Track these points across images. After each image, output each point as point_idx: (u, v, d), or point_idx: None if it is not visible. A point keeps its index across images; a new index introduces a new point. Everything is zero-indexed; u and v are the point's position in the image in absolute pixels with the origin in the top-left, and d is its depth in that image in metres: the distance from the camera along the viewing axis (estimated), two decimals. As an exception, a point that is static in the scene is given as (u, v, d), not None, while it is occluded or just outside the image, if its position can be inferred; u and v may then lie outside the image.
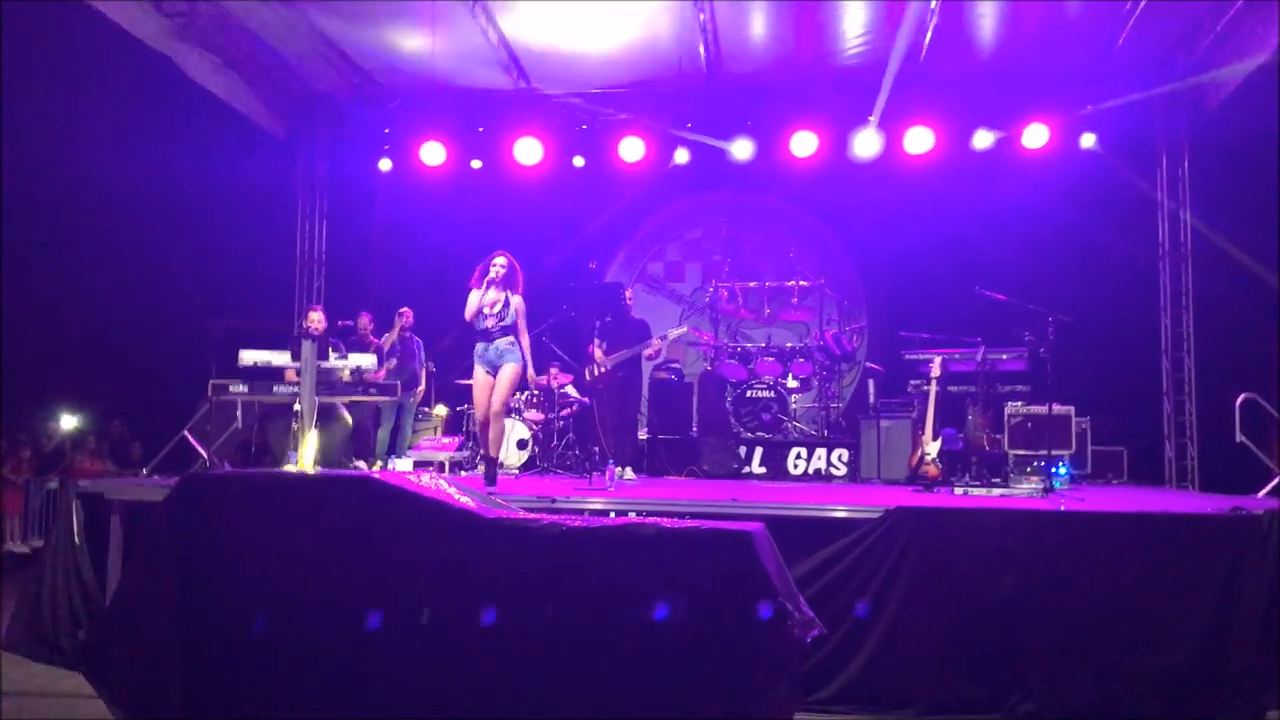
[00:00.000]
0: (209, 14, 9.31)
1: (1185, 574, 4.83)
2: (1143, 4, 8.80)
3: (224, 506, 4.24)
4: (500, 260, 7.33)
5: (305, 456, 6.68)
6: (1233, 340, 10.14)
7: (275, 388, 7.47)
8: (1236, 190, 9.92)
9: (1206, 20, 9.09)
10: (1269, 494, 6.79)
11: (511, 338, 7.29)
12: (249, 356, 7.36)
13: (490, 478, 7.28)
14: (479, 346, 7.34)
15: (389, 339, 9.74)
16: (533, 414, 10.11)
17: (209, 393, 7.58)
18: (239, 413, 8.73)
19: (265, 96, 10.82)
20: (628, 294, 9.47)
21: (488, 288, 7.23)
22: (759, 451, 9.26)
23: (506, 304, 7.30)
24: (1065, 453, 8.31)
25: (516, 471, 9.63)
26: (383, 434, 9.58)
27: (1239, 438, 7.27)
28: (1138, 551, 4.95)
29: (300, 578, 4.05)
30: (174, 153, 9.17)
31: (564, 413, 10.16)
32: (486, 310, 7.25)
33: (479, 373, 7.32)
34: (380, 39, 10.01)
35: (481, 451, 7.56)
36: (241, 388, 7.48)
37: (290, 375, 7.44)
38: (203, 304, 9.00)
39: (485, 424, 7.36)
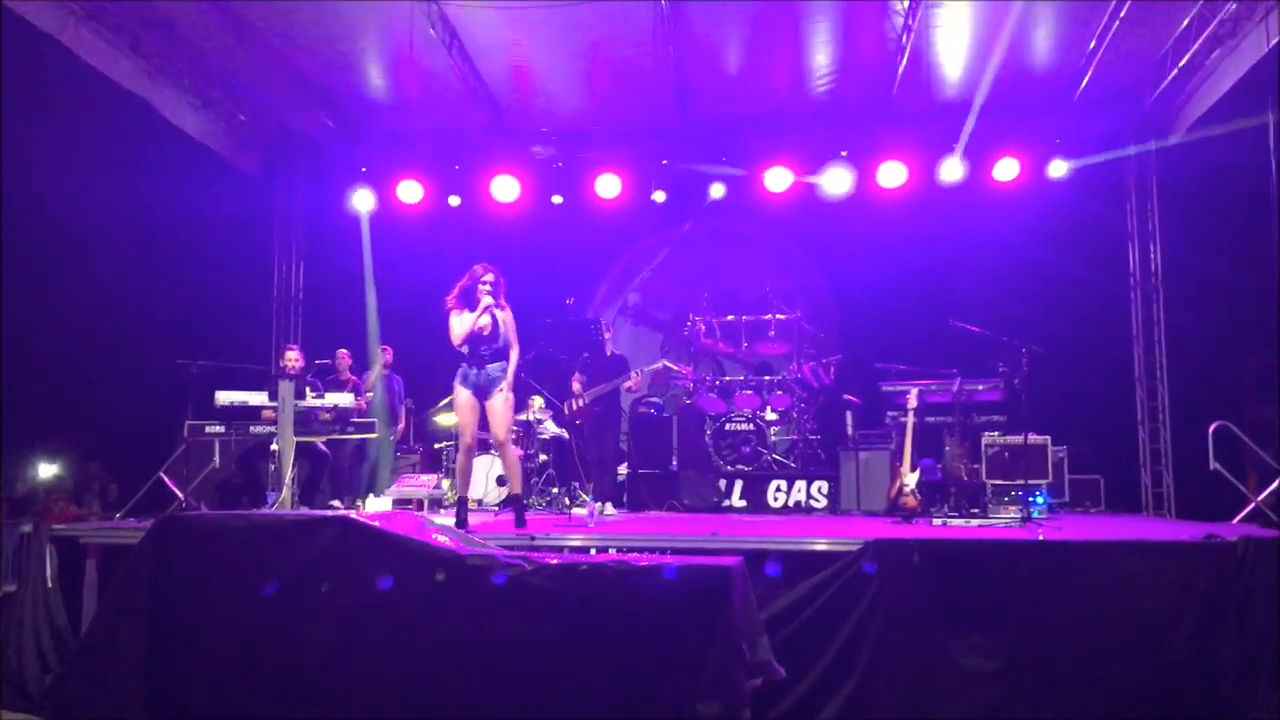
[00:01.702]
0: (184, 56, 9.35)
1: (1163, 600, 4.85)
2: (1108, 39, 8.98)
3: (198, 549, 4.23)
4: (489, 278, 7.01)
5: (284, 496, 6.66)
6: (1205, 368, 10.25)
7: (252, 428, 7.45)
8: (1205, 219, 10.07)
9: (1171, 54, 9.26)
10: (1243, 520, 6.84)
11: (502, 362, 7.01)
12: (225, 397, 7.36)
13: (520, 519, 6.93)
14: (467, 370, 7.00)
15: (371, 376, 9.74)
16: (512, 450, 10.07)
17: (185, 433, 7.55)
18: (216, 453, 8.67)
19: (241, 135, 10.86)
20: (606, 331, 9.50)
21: (482, 312, 6.92)
22: (739, 484, 9.25)
23: (495, 325, 7.00)
24: (1043, 482, 8.35)
25: (496, 508, 9.59)
26: (362, 471, 9.55)
27: (1213, 465, 7.34)
28: (1116, 579, 4.98)
29: (275, 619, 4.02)
30: (149, 194, 9.14)
31: (543, 445, 10.15)
32: (478, 335, 6.95)
33: (463, 394, 7.00)
34: (356, 78, 10.07)
35: (457, 489, 7.19)
36: (218, 428, 7.47)
37: (268, 415, 7.42)
38: (179, 344, 8.93)
39: (470, 449, 7.07)
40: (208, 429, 7.45)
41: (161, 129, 9.53)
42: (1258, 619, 4.77)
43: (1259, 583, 4.85)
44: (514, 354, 7.11)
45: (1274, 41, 8.00)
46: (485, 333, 6.96)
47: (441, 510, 9.26)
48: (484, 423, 7.19)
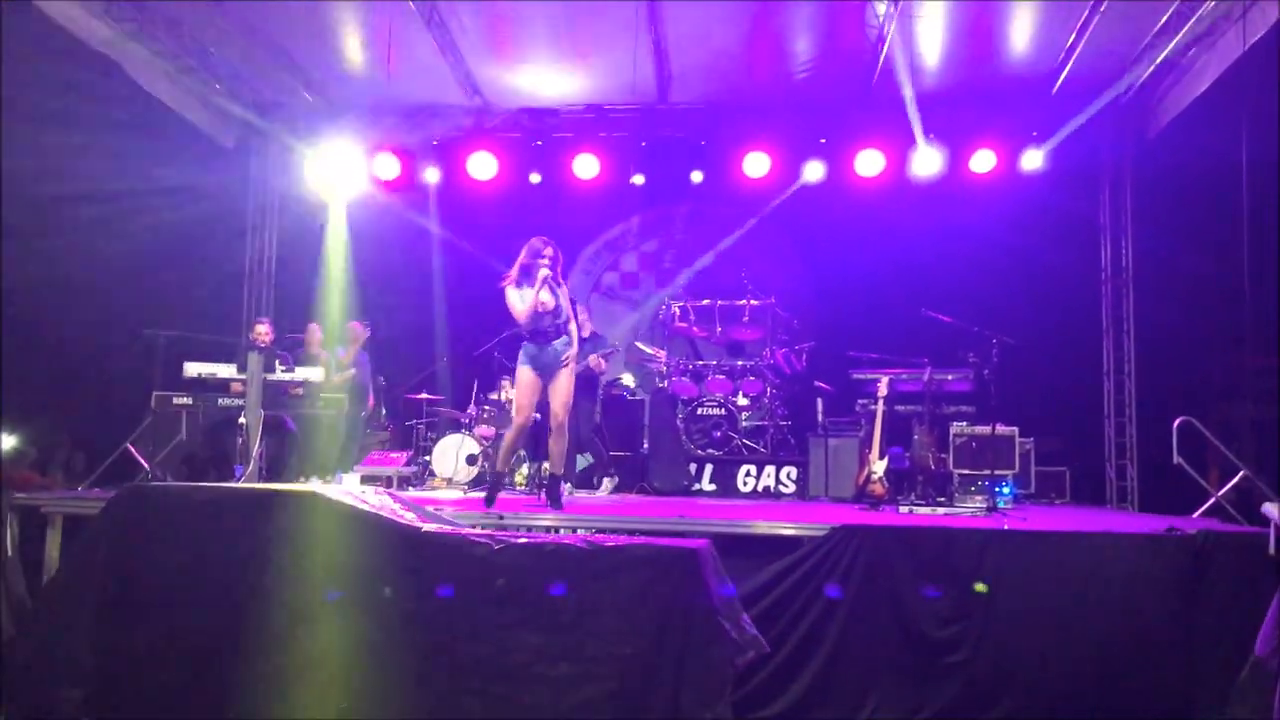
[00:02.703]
0: (158, 22, 9.22)
1: (1122, 590, 4.92)
2: (1088, 33, 9.02)
3: (161, 520, 4.19)
4: (548, 252, 6.77)
5: (251, 470, 6.63)
6: (1173, 364, 10.35)
7: (220, 400, 7.40)
8: (1177, 216, 10.15)
9: (1149, 50, 9.31)
10: (1203, 514, 6.93)
11: (566, 338, 6.82)
12: (194, 369, 7.31)
13: (556, 500, 6.79)
14: (531, 348, 6.78)
15: (350, 352, 9.70)
16: (483, 429, 10.06)
17: (152, 404, 7.49)
18: (184, 425, 8.60)
19: (216, 107, 10.72)
20: (582, 312, 9.47)
21: (542, 286, 6.67)
22: (709, 468, 9.30)
23: (558, 301, 6.79)
24: (1009, 473, 8.43)
25: (466, 487, 9.57)
26: (332, 448, 9.49)
27: (1176, 460, 7.42)
28: (1076, 568, 5.04)
29: (236, 591, 4.00)
30: (119, 160, 9.00)
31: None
32: (541, 311, 6.73)
33: (526, 373, 6.78)
34: (335, 52, 9.96)
35: (490, 467, 7.00)
36: (186, 400, 7.41)
37: (237, 387, 7.37)
38: (148, 313, 8.85)
39: (523, 429, 6.85)
40: (175, 400, 7.40)
41: (134, 94, 9.39)
42: (1214, 610, 4.84)
43: (1216, 575, 4.93)
44: (574, 328, 6.92)
45: (1250, 41, 8.06)
46: (549, 309, 6.75)
47: (411, 488, 9.25)
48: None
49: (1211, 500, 6.95)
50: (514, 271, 6.79)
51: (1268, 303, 9.37)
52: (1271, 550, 4.74)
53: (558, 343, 6.76)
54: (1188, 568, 4.93)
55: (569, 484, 8.51)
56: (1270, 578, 4.41)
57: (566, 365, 6.75)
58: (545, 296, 6.71)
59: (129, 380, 8.58)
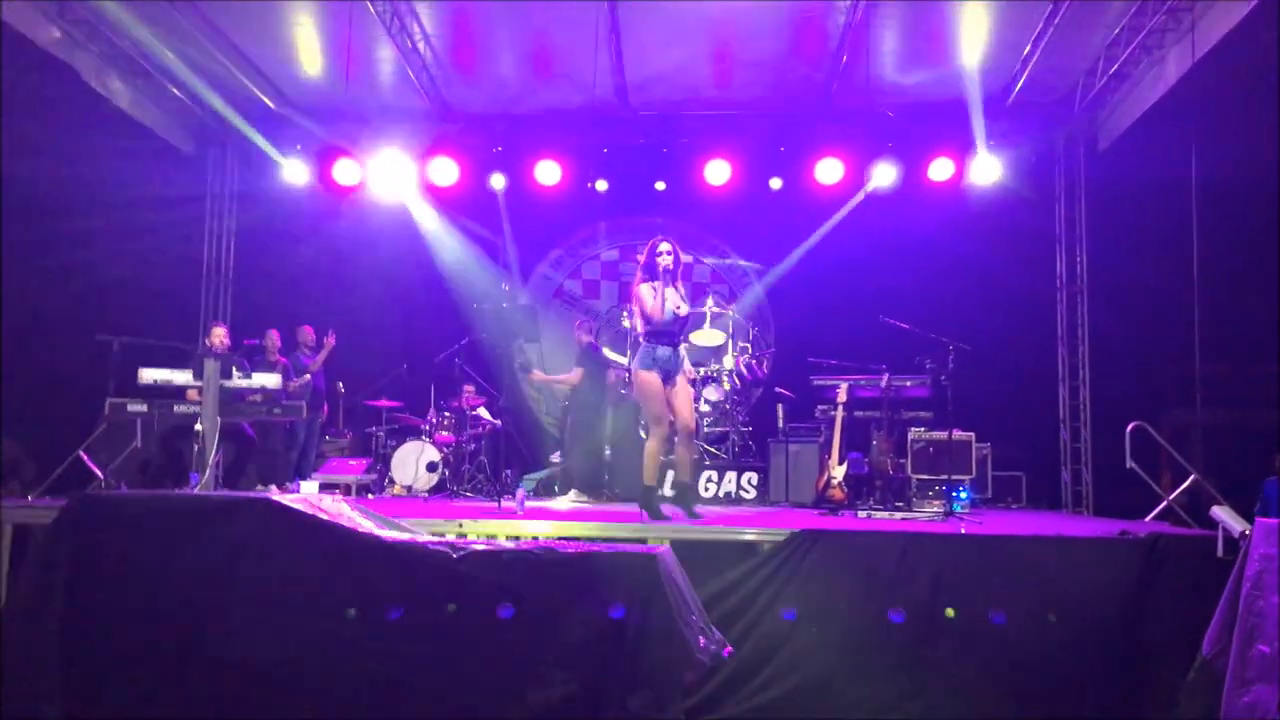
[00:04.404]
0: (111, 25, 9.11)
1: (1074, 592, 4.99)
2: (1042, 46, 9.17)
3: (115, 528, 4.14)
4: (667, 247, 6.45)
5: (207, 478, 6.54)
6: (1126, 370, 10.54)
7: (176, 407, 7.29)
8: (1130, 227, 10.34)
9: (1102, 63, 9.49)
10: (1155, 518, 7.04)
11: (685, 343, 6.63)
12: (149, 375, 7.18)
13: (691, 509, 6.54)
14: (660, 350, 6.42)
15: (318, 361, 9.64)
16: (443, 436, 10.02)
17: (106, 411, 7.37)
18: (139, 432, 8.48)
19: (173, 110, 10.61)
20: (586, 334, 9.61)
21: (668, 282, 6.39)
22: (670, 474, 9.30)
23: (687, 304, 6.56)
24: (966, 477, 8.52)
25: (426, 495, 9.52)
26: (291, 456, 9.42)
27: (1129, 464, 7.54)
28: (1030, 572, 5.11)
29: (192, 599, 3.96)
30: (72, 164, 8.88)
31: (475, 432, 10.11)
32: (677, 312, 6.43)
33: (653, 379, 6.41)
34: (294, 57, 9.90)
35: (647, 477, 6.63)
36: (141, 406, 7.29)
37: (193, 394, 7.27)
38: (103, 319, 8.72)
39: (663, 441, 6.56)
40: (130, 407, 7.27)
41: (88, 98, 9.28)
42: (1164, 612, 4.93)
43: (1166, 577, 5.01)
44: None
45: (1198, 55, 8.24)
46: (680, 313, 6.48)
47: (370, 495, 9.19)
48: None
49: (1163, 504, 7.07)
50: (639, 273, 6.57)
51: (1217, 311, 9.58)
52: (1220, 552, 4.83)
53: (682, 347, 6.56)
54: (1139, 570, 5.02)
55: (527, 489, 8.49)
56: (1218, 579, 4.48)
57: (685, 373, 6.54)
58: (677, 298, 6.47)
59: (82, 386, 8.44)
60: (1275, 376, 12.35)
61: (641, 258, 6.61)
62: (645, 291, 6.49)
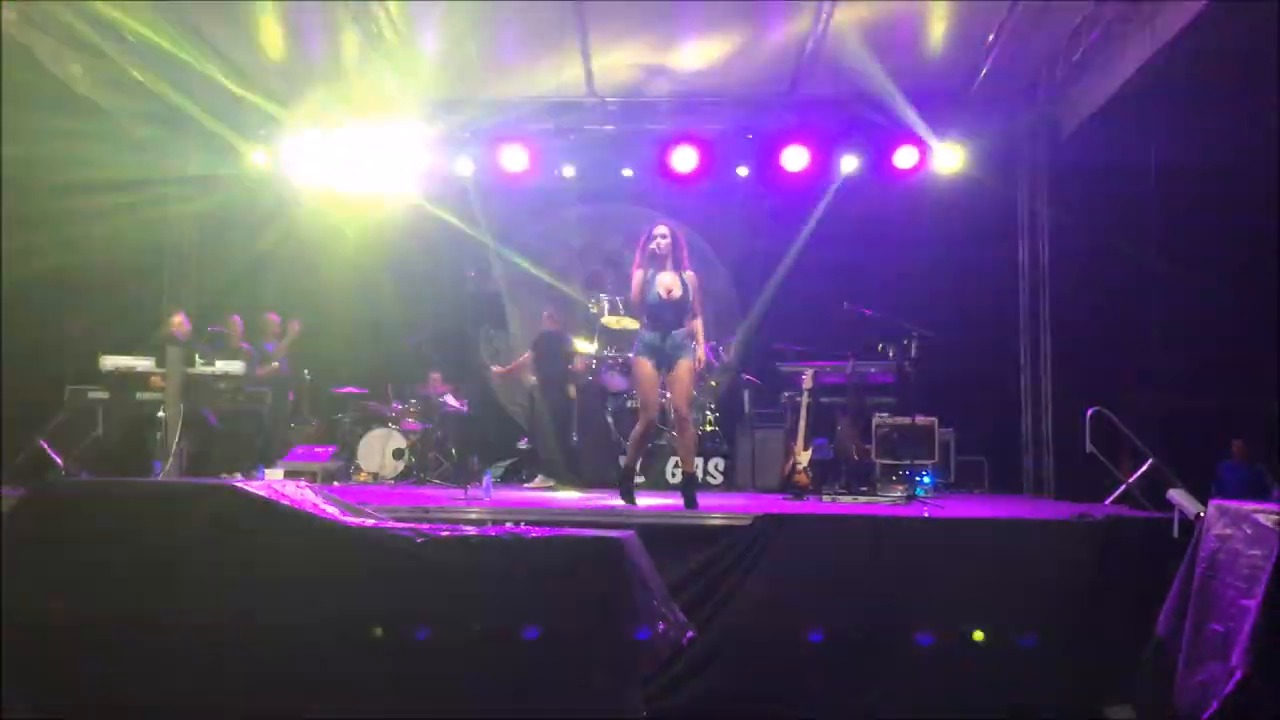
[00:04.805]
0: (70, 8, 8.95)
1: (1033, 574, 5.07)
2: (1005, 33, 9.24)
3: (75, 516, 4.10)
4: (662, 231, 6.46)
5: (170, 466, 6.49)
6: (1087, 356, 10.68)
7: (138, 394, 7.24)
8: (1091, 214, 10.46)
9: (1064, 51, 9.57)
10: (1115, 501, 7.16)
11: (688, 329, 6.53)
12: (110, 362, 7.13)
13: (693, 499, 6.53)
14: (650, 337, 6.45)
15: (282, 348, 9.56)
16: (410, 423, 9.99)
17: (66, 398, 7.30)
18: (100, 420, 8.39)
19: (132, 94, 10.44)
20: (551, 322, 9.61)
21: (660, 266, 6.38)
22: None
23: (685, 288, 6.46)
24: (929, 462, 8.61)
25: (392, 482, 9.50)
26: (255, 443, 9.35)
27: (1089, 448, 7.65)
28: (990, 554, 5.18)
29: (154, 588, 3.93)
30: (27, 148, 8.73)
31: (442, 419, 10.09)
32: (663, 296, 6.39)
33: (646, 366, 6.45)
34: (256, 40, 9.78)
35: (627, 461, 6.70)
36: (101, 393, 7.23)
37: (156, 381, 7.21)
38: (61, 307, 8.62)
39: (649, 427, 6.58)
40: (90, 394, 7.21)
41: (45, 82, 9.12)
42: (1120, 593, 5.02)
43: (1122, 559, 5.11)
44: (698, 323, 6.62)
45: (1159, 44, 8.33)
46: (672, 296, 6.41)
47: (336, 482, 9.15)
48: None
49: (1122, 488, 7.18)
50: (636, 258, 6.53)
51: (1176, 298, 9.74)
52: (1175, 534, 4.92)
53: (678, 333, 6.47)
54: (1096, 552, 5.11)
55: (494, 476, 8.50)
56: (1173, 561, 4.57)
57: (687, 357, 6.47)
58: (670, 281, 6.41)
59: (41, 373, 8.34)
60: (1232, 362, 12.60)
61: (641, 241, 6.61)
62: (635, 277, 6.53)
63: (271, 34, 9.64)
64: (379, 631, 3.81)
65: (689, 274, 6.51)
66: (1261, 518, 3.92)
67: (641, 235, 6.65)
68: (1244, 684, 3.64)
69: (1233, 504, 4.25)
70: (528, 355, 9.68)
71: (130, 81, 10.20)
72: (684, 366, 6.43)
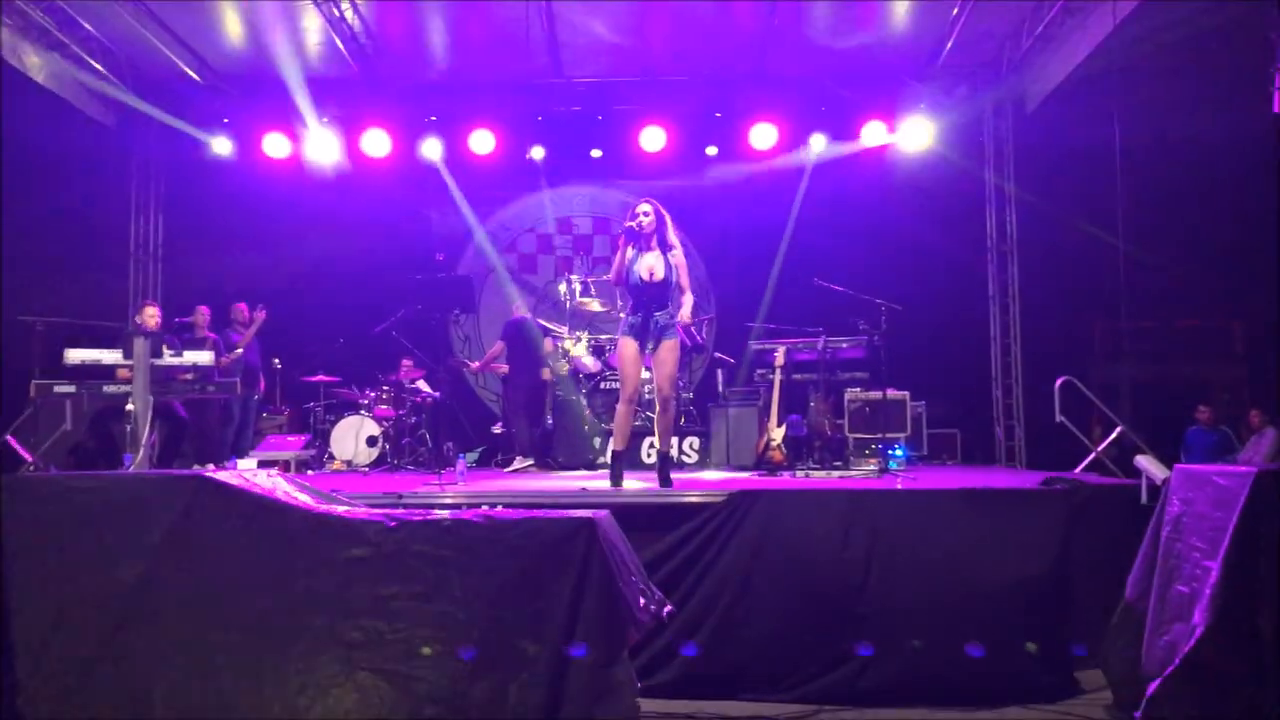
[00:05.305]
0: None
1: (1004, 542, 5.12)
2: (969, 7, 9.27)
3: (43, 511, 4.06)
4: (645, 209, 6.25)
5: (140, 458, 6.44)
6: (1056, 328, 10.81)
7: (105, 387, 7.16)
8: (1057, 187, 10.56)
9: (1028, 23, 9.63)
10: (1085, 470, 7.23)
11: (671, 309, 6.32)
12: (76, 355, 7.05)
13: (667, 478, 6.44)
14: (634, 319, 6.27)
15: (247, 336, 9.49)
16: (383, 410, 9.95)
17: (32, 393, 7.21)
18: (68, 414, 8.31)
19: (93, 83, 10.31)
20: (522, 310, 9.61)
21: (644, 246, 6.20)
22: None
23: (669, 268, 6.22)
24: (901, 436, 8.68)
25: (366, 469, 9.47)
26: (227, 433, 9.30)
27: (1059, 418, 7.73)
28: (962, 524, 5.22)
29: (125, 580, 3.91)
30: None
31: (414, 405, 10.05)
32: (645, 278, 6.20)
33: (628, 344, 6.27)
34: (217, 26, 9.67)
35: (615, 444, 6.53)
36: (68, 387, 7.15)
37: (123, 374, 7.14)
38: (26, 300, 8.52)
39: (629, 405, 6.39)
40: (57, 388, 7.12)
41: (3, 72, 8.99)
42: (1089, 558, 5.09)
43: (1091, 525, 5.18)
44: (686, 299, 6.38)
45: (1120, 17, 8.39)
46: (655, 278, 6.20)
47: (310, 471, 9.11)
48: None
49: (1091, 456, 7.25)
50: (621, 234, 6.34)
51: (1142, 269, 9.86)
52: (1144, 500, 4.98)
53: (660, 314, 6.28)
54: (1065, 519, 5.17)
55: (468, 461, 8.48)
56: (1141, 526, 4.62)
57: (671, 338, 6.31)
58: (653, 262, 6.21)
59: (5, 368, 8.26)
60: (1198, 331, 12.79)
61: (625, 218, 6.42)
62: (616, 256, 6.37)
63: (233, 19, 9.54)
64: (352, 618, 3.79)
65: (675, 253, 6.36)
66: (1223, 480, 3.97)
67: (625, 213, 6.53)
68: (1204, 641, 3.70)
69: (1196, 468, 4.30)
70: (500, 346, 9.66)
71: (90, 70, 10.07)
72: (667, 347, 6.31)
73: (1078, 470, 7.26)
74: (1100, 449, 7.26)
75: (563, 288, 10.49)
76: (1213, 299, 11.83)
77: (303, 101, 10.13)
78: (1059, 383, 7.73)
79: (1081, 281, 10.71)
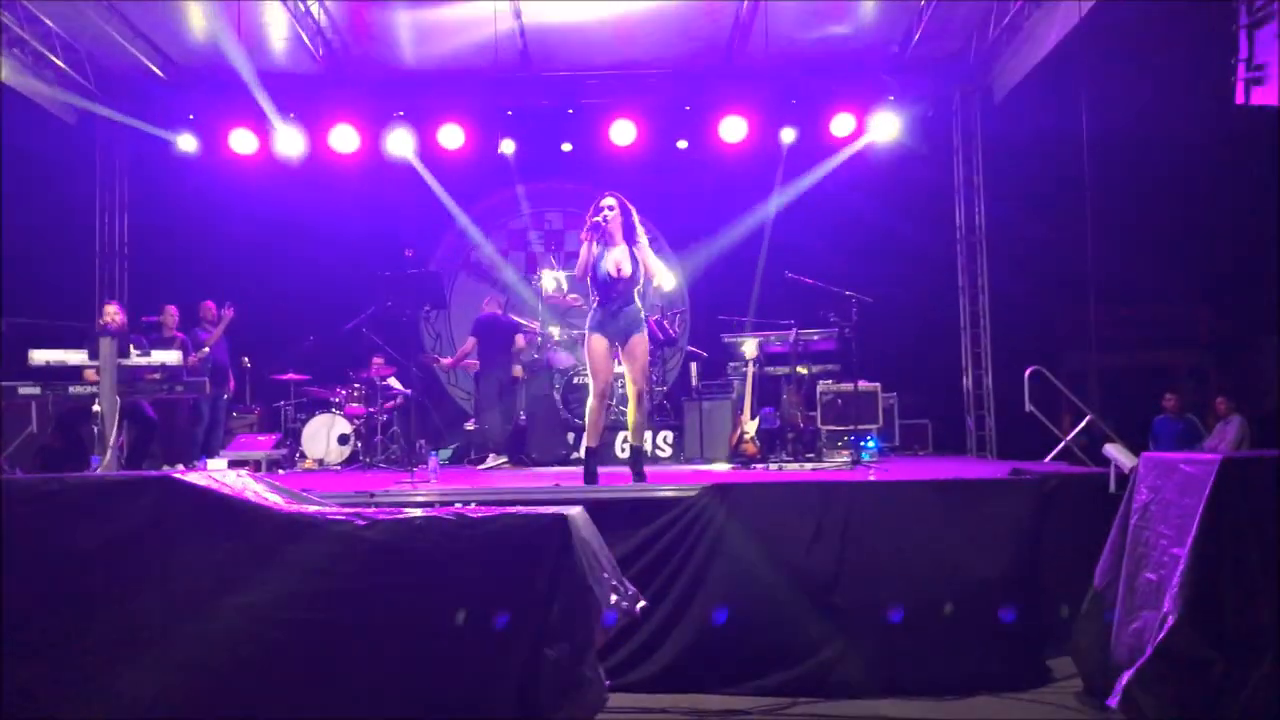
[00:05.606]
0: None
1: (974, 531, 5.15)
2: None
3: (6, 513, 4.00)
4: (609, 203, 6.14)
5: (108, 460, 6.37)
6: (1025, 318, 10.89)
7: (72, 388, 7.07)
8: (1024, 178, 10.64)
9: (995, 14, 9.68)
10: (1054, 459, 7.30)
11: (640, 305, 6.26)
12: (41, 356, 6.94)
13: (640, 472, 6.41)
14: (599, 314, 6.20)
15: (215, 334, 9.40)
16: (354, 408, 9.89)
17: (-5, 395, 7.11)
18: (34, 416, 8.21)
19: (55, 81, 10.16)
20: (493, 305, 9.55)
21: (609, 241, 6.11)
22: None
23: (635, 263, 6.14)
24: (873, 427, 8.72)
25: (338, 468, 9.42)
26: (197, 433, 9.22)
27: (1028, 408, 7.79)
28: (933, 514, 5.25)
29: (90, 583, 3.87)
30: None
31: (386, 405, 9.98)
32: (613, 273, 6.11)
33: (597, 339, 6.20)
34: (181, 21, 9.56)
35: (589, 440, 6.46)
36: (33, 389, 7.05)
37: (90, 375, 7.05)
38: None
39: (602, 400, 6.35)
40: (21, 390, 7.02)
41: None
42: (1058, 547, 5.13)
43: (1060, 514, 5.22)
44: (670, 276, 6.45)
45: (1086, 8, 8.45)
46: (622, 273, 6.11)
47: (281, 470, 9.04)
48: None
49: (1060, 445, 7.32)
50: (584, 230, 6.20)
51: (1109, 259, 9.95)
52: (1112, 488, 5.02)
53: (629, 309, 6.21)
54: (1034, 508, 5.20)
55: (441, 458, 8.45)
56: (1110, 515, 4.66)
57: (641, 331, 6.26)
58: (619, 256, 6.13)
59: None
60: (1165, 320, 12.94)
61: (589, 214, 6.29)
62: (581, 251, 6.25)
63: (196, 14, 9.44)
64: (323, 618, 3.77)
65: (640, 246, 6.28)
66: (1189, 467, 4.02)
67: (590, 207, 6.40)
68: (1175, 630, 3.74)
69: (1164, 456, 4.34)
70: (471, 342, 9.63)
71: (51, 67, 9.93)
72: (637, 341, 6.25)
73: (1047, 459, 7.33)
74: (1069, 438, 7.33)
75: (536, 282, 10.46)
76: (1179, 287, 11.96)
77: (262, 98, 10.01)
78: (1028, 372, 7.79)
79: (1050, 271, 10.79)
